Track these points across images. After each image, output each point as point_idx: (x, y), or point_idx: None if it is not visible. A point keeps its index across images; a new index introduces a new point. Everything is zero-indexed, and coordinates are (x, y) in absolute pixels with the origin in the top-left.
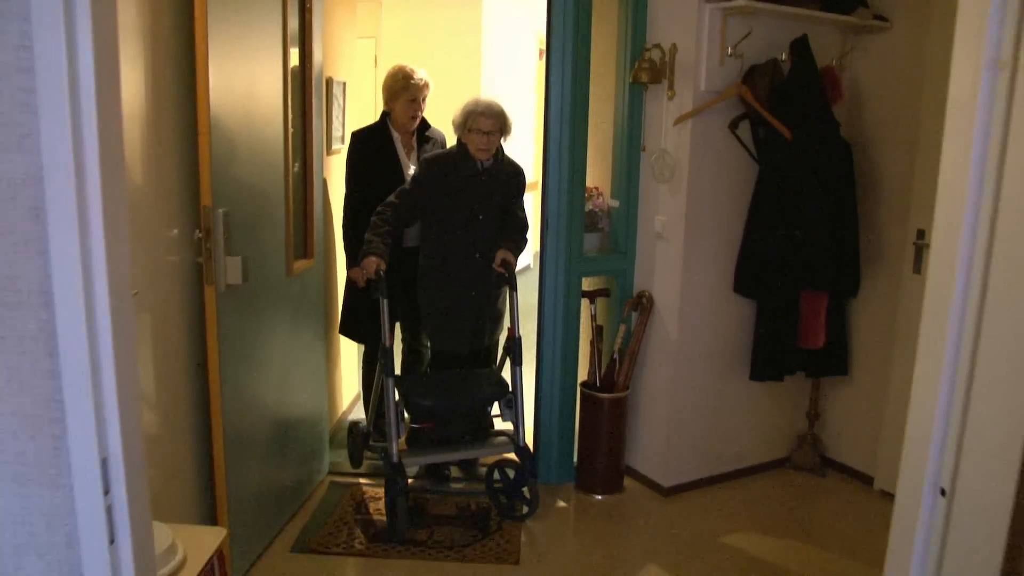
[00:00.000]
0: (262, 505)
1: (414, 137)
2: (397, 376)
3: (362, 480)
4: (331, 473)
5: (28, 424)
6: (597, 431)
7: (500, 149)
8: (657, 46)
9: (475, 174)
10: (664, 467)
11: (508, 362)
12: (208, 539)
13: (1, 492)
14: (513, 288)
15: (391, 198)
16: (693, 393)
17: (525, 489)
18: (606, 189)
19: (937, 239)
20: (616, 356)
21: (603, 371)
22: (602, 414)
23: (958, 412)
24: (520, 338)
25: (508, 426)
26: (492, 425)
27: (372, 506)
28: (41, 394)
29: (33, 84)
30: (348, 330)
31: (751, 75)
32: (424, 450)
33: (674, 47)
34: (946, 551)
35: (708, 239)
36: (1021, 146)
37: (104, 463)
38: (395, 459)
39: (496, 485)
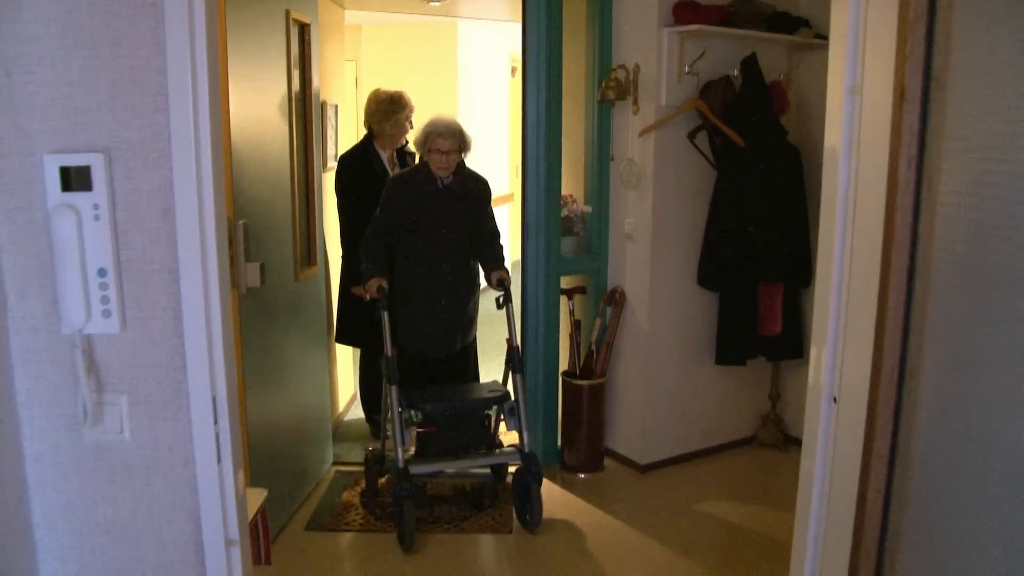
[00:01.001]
0: (279, 488)
1: (395, 154)
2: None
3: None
4: (335, 463)
5: (158, 372)
6: (578, 416)
7: (461, 164)
8: (622, 66)
9: (436, 191)
10: (640, 447)
11: (510, 372)
12: (253, 498)
13: (135, 426)
14: (508, 301)
15: (369, 228)
16: (664, 378)
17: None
18: (580, 196)
19: (823, 221)
20: (593, 347)
21: (582, 361)
22: (582, 400)
23: (840, 348)
24: (519, 347)
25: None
26: (500, 444)
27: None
28: (169, 349)
29: (167, 120)
30: (344, 337)
31: (707, 90)
32: (431, 459)
33: (637, 67)
34: (837, 440)
35: (673, 238)
36: (869, 153)
37: (214, 400)
38: (401, 464)
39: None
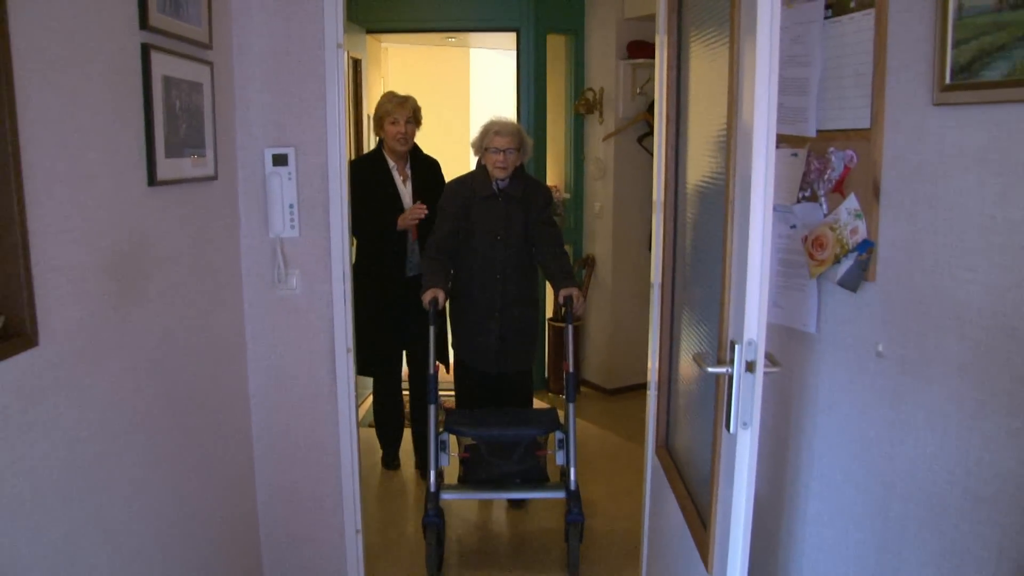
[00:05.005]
0: None
1: (407, 164)
2: (447, 409)
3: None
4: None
5: (315, 257)
6: (560, 351)
7: (521, 169)
8: (591, 89)
9: (492, 195)
10: (607, 376)
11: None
12: None
13: (303, 286)
14: (569, 322)
15: (430, 236)
16: (625, 324)
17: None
18: (561, 185)
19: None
20: None
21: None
22: (563, 339)
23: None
24: (574, 373)
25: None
26: (547, 477)
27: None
28: (322, 245)
29: (324, 133)
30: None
31: (653, 107)
32: (466, 486)
33: (602, 89)
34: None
35: (629, 216)
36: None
37: (344, 273)
38: (432, 488)
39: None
